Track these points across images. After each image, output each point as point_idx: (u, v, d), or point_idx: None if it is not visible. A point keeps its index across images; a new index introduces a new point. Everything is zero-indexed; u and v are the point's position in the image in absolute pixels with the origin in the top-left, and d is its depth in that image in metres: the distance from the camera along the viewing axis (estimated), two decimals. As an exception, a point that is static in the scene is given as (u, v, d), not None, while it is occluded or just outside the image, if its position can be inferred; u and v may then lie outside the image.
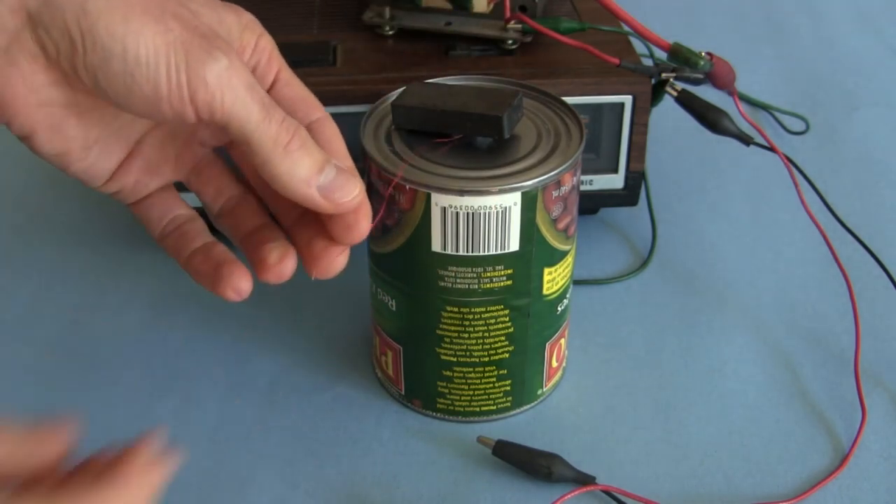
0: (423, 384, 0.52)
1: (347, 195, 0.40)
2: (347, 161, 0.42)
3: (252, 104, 0.37)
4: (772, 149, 0.56)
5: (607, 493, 0.48)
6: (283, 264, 0.41)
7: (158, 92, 0.37)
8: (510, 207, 0.45)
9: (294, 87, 0.42)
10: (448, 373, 0.51)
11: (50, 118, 0.39)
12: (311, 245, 0.42)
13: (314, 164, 0.39)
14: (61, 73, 0.37)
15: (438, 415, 0.53)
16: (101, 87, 0.37)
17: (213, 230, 0.44)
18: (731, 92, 0.58)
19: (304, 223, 0.43)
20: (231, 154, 0.45)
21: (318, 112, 0.42)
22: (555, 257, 0.49)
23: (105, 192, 0.43)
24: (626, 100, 0.58)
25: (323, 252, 0.41)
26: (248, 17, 0.41)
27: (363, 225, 0.41)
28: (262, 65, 0.42)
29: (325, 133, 0.42)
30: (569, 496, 0.48)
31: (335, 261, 0.42)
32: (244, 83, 0.37)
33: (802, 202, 0.56)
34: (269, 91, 0.42)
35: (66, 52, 0.37)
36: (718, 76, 0.56)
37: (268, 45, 0.42)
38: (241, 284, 0.41)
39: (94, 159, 0.41)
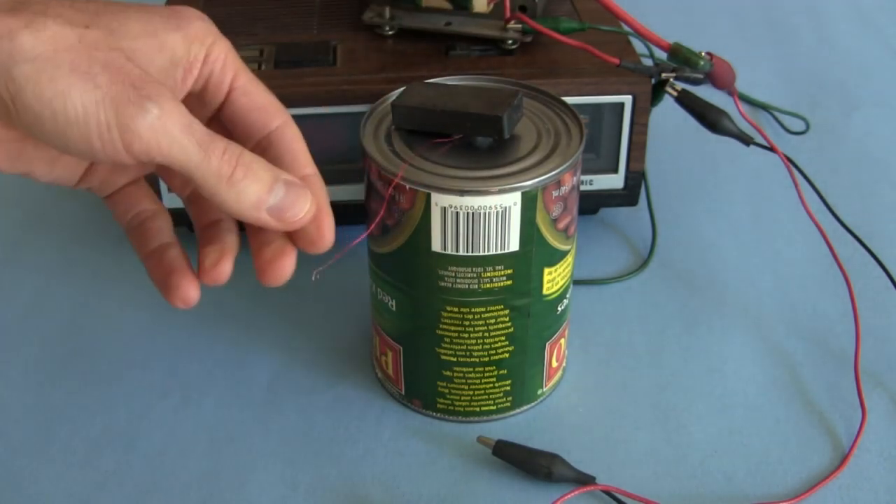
0: (423, 384, 0.52)
1: (299, 212, 0.40)
2: (308, 168, 0.42)
3: (189, 146, 0.37)
4: (772, 149, 0.56)
5: (607, 493, 0.48)
6: (216, 269, 0.42)
7: (92, 146, 0.37)
8: (510, 207, 0.45)
9: (252, 95, 0.42)
10: (448, 373, 0.51)
11: (5, 151, 0.39)
12: (260, 252, 0.42)
13: (261, 189, 0.39)
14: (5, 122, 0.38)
15: (438, 415, 0.53)
16: (41, 140, 0.38)
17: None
18: (731, 92, 0.58)
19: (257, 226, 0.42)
20: None
21: (279, 118, 0.42)
22: (555, 257, 0.49)
23: (76, 189, 0.44)
24: (626, 100, 0.58)
25: (270, 261, 0.41)
26: (196, 28, 0.41)
27: (326, 236, 0.41)
28: (216, 75, 0.41)
29: (285, 140, 0.42)
30: (569, 496, 0.48)
31: (283, 269, 0.41)
32: (179, 126, 0.37)
33: (802, 202, 0.56)
34: (224, 102, 0.42)
35: (2, 110, 0.37)
36: (718, 76, 0.56)
37: (221, 52, 0.41)
38: (188, 294, 0.42)
39: (60, 172, 0.42)
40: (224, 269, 0.42)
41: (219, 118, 0.43)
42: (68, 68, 0.36)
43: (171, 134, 0.37)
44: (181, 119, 0.37)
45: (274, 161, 0.41)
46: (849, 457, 0.50)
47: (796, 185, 0.56)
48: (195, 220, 0.44)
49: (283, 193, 0.39)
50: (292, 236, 0.41)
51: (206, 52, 0.41)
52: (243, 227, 0.43)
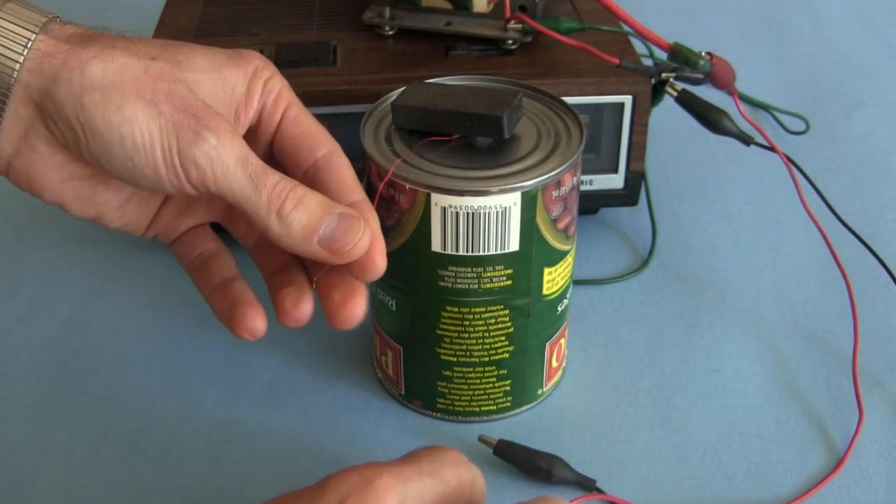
0: (423, 384, 0.52)
1: (350, 242, 0.40)
2: (356, 194, 0.42)
3: (242, 178, 0.39)
4: (772, 149, 0.56)
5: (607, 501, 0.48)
6: (297, 310, 0.43)
7: (158, 173, 0.39)
8: (510, 207, 0.45)
9: (302, 125, 0.43)
10: (448, 373, 0.51)
11: (76, 190, 0.42)
12: (329, 295, 0.43)
13: (311, 221, 0.40)
14: (76, 153, 0.40)
15: (438, 415, 0.53)
16: (107, 170, 0.39)
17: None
18: (731, 92, 0.58)
19: (321, 263, 0.43)
20: None
21: (326, 147, 0.43)
22: (555, 257, 0.49)
23: (145, 237, 0.46)
24: (626, 100, 0.58)
25: (340, 304, 0.42)
26: (255, 65, 0.43)
27: (378, 262, 0.41)
28: (269, 105, 0.43)
29: (333, 168, 0.43)
30: None
31: (354, 312, 0.42)
32: (234, 157, 0.39)
33: (802, 202, 0.56)
34: (276, 129, 0.43)
35: (72, 141, 0.39)
36: (718, 76, 0.56)
37: (276, 85, 0.43)
38: (254, 325, 0.43)
39: (130, 216, 0.44)
40: (305, 308, 0.43)
41: (271, 150, 0.44)
42: (135, 96, 0.38)
43: (225, 164, 0.39)
44: (237, 151, 0.39)
45: (321, 187, 0.42)
46: (845, 457, 0.50)
47: (796, 185, 0.56)
48: (263, 268, 0.45)
49: (335, 225, 0.40)
50: (346, 266, 0.42)
51: (263, 85, 0.43)
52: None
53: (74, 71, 0.38)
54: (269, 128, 0.43)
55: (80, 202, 0.42)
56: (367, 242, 0.41)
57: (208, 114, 0.39)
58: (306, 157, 0.43)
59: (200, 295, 0.45)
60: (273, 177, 0.40)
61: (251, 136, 0.44)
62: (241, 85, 0.42)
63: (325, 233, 0.40)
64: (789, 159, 0.56)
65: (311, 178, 0.43)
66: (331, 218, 0.40)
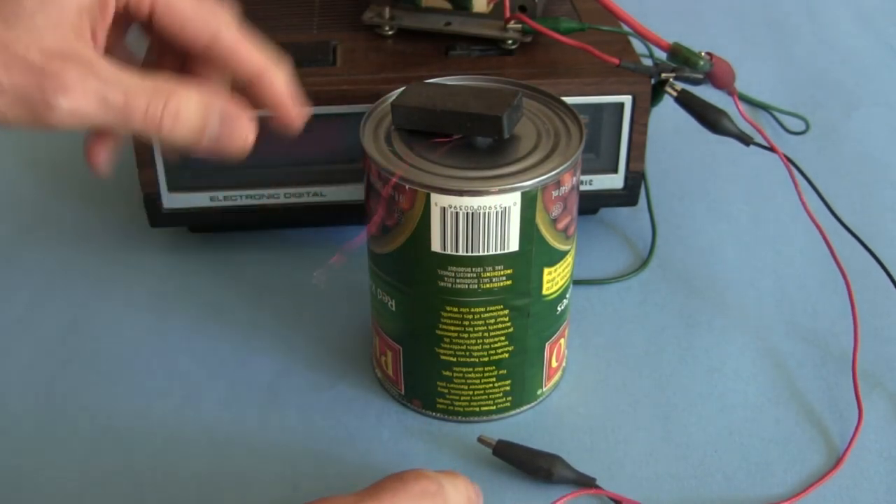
0: (422, 384, 0.52)
1: (237, 142, 0.41)
2: (257, 64, 0.42)
3: (107, 117, 0.38)
4: (772, 149, 0.56)
5: (608, 497, 0.48)
6: None
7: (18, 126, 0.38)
8: (510, 207, 0.45)
9: (177, 8, 0.42)
10: (448, 373, 0.51)
11: None
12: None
13: (192, 130, 0.40)
14: None
15: (438, 415, 0.53)
16: None
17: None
18: (731, 92, 0.58)
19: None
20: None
21: (212, 25, 0.42)
22: (554, 257, 0.49)
23: None
24: (626, 100, 0.58)
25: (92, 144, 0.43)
26: None
27: (292, 124, 0.43)
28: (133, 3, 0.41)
29: (224, 46, 0.42)
30: (569, 497, 0.48)
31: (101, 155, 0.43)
32: (93, 104, 0.38)
33: (802, 202, 0.56)
34: (149, 19, 0.42)
35: None
36: (718, 76, 0.56)
37: None
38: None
39: None
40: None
41: (157, 39, 0.43)
42: None
43: (85, 115, 0.38)
44: (93, 97, 0.38)
45: (222, 68, 0.42)
46: (844, 457, 0.50)
47: (796, 186, 0.56)
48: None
49: (217, 128, 0.40)
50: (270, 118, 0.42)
51: None
52: None
53: None
54: (140, 14, 0.42)
55: None
56: (252, 136, 0.41)
57: (52, 73, 0.38)
58: (197, 42, 0.42)
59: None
60: (141, 100, 0.39)
61: (122, 21, 0.42)
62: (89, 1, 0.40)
63: (209, 137, 0.40)
64: (789, 159, 0.56)
65: (210, 61, 0.42)
66: (211, 123, 0.40)
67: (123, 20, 0.43)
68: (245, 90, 0.43)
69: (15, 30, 0.38)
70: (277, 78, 0.43)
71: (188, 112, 0.40)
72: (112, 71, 0.39)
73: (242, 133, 0.41)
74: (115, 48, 0.43)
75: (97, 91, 0.38)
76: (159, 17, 0.42)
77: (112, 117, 0.38)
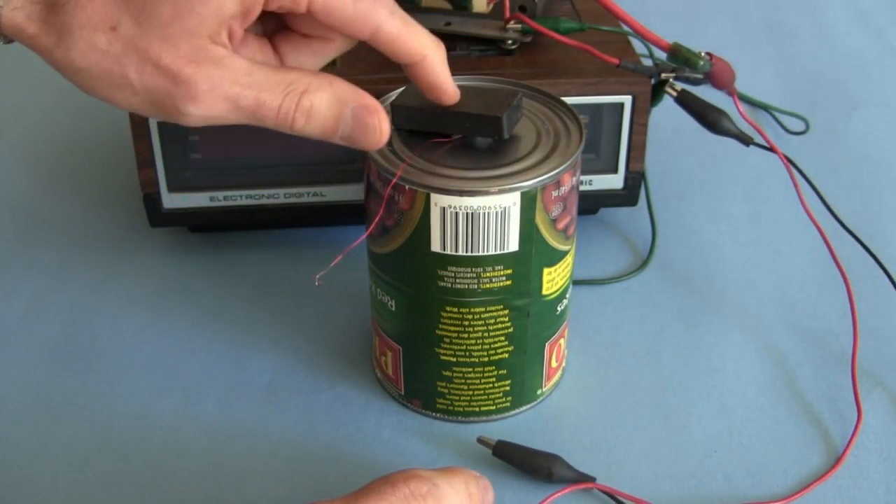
0: (422, 384, 0.52)
1: (369, 140, 0.42)
2: (415, 55, 0.43)
3: (243, 117, 0.40)
4: (772, 149, 0.56)
5: (605, 492, 0.48)
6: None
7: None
8: (509, 207, 0.45)
9: (335, 13, 0.41)
10: (448, 373, 0.51)
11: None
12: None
13: (325, 127, 0.41)
14: None
15: (438, 415, 0.53)
16: None
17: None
18: (731, 92, 0.58)
19: None
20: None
21: (374, 18, 0.42)
22: (554, 257, 0.49)
23: None
24: (626, 100, 0.58)
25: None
26: None
27: (447, 100, 0.45)
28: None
29: (383, 40, 0.42)
30: (565, 491, 0.48)
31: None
32: (224, 108, 0.39)
33: (802, 202, 0.56)
34: (305, 17, 0.42)
35: None
36: (718, 76, 0.56)
37: None
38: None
39: None
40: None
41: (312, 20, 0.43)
42: (104, 83, 0.39)
43: (218, 117, 0.39)
44: (224, 103, 0.39)
45: (385, 55, 0.43)
46: (843, 457, 0.50)
47: (796, 186, 0.56)
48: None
49: (350, 126, 0.41)
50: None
51: None
52: None
53: (44, 53, 0.39)
54: (298, 10, 0.41)
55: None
56: (387, 128, 0.42)
57: (185, 71, 0.38)
58: (359, 32, 0.42)
59: None
60: (274, 100, 0.40)
61: (278, 22, 0.44)
62: (230, 4, 0.39)
63: (343, 133, 0.41)
64: (789, 159, 0.56)
65: (373, 50, 0.43)
66: (345, 120, 0.41)
67: (273, 19, 0.43)
68: (403, 68, 0.45)
69: (149, 35, 0.39)
70: (436, 61, 0.44)
71: (321, 109, 0.40)
72: (245, 70, 0.39)
73: (376, 127, 0.42)
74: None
75: (228, 95, 0.39)
76: (319, 17, 0.42)
77: (245, 117, 0.40)
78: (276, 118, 0.40)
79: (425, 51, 0.43)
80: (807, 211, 0.56)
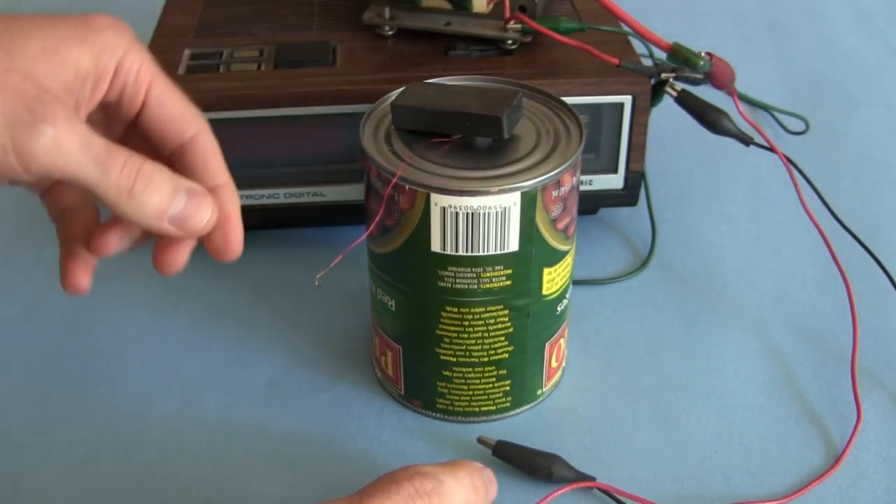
0: (422, 384, 0.52)
1: (200, 221, 0.40)
2: (220, 177, 0.42)
3: (87, 163, 0.38)
4: (772, 149, 0.56)
5: (605, 491, 0.48)
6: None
7: None
8: (509, 207, 0.45)
9: (167, 106, 0.42)
10: (448, 373, 0.51)
11: None
12: (158, 242, 0.42)
13: (161, 199, 0.39)
14: None
15: (438, 415, 0.53)
16: None
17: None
18: (731, 92, 0.58)
19: None
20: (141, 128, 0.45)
21: (193, 128, 0.42)
22: (554, 257, 0.49)
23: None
24: (626, 100, 0.58)
25: (162, 251, 0.42)
26: (105, 39, 0.40)
27: (233, 246, 0.42)
28: (130, 87, 0.41)
29: (198, 150, 0.42)
30: (565, 490, 0.48)
31: (175, 260, 0.43)
32: (75, 145, 0.37)
33: (802, 202, 0.56)
34: (139, 113, 0.42)
35: None
36: (718, 76, 0.56)
37: (135, 62, 0.41)
38: (78, 281, 0.43)
39: None
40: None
41: (137, 127, 0.43)
42: None
43: (67, 153, 0.37)
44: (77, 138, 0.37)
45: (187, 170, 0.41)
46: (842, 457, 0.50)
47: (796, 186, 0.56)
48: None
49: (184, 203, 0.40)
50: (203, 242, 0.42)
51: (118, 63, 0.40)
52: None
53: None
54: (132, 108, 0.42)
55: None
56: (214, 220, 0.41)
57: (43, 103, 0.37)
58: (173, 140, 0.42)
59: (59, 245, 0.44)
60: (119, 157, 0.38)
61: (111, 112, 0.42)
62: (85, 62, 0.39)
63: (174, 211, 0.40)
64: (789, 159, 0.56)
65: (177, 161, 0.42)
66: (180, 196, 0.40)
67: (110, 112, 0.42)
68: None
69: (15, 63, 0.38)
70: (234, 196, 0.42)
71: (160, 179, 0.39)
72: (90, 130, 0.38)
73: (207, 211, 0.40)
74: None
75: (81, 135, 0.38)
76: (150, 111, 0.42)
77: (90, 165, 0.38)
78: (119, 175, 0.38)
79: (227, 180, 0.43)
80: (807, 211, 0.56)
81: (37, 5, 0.56)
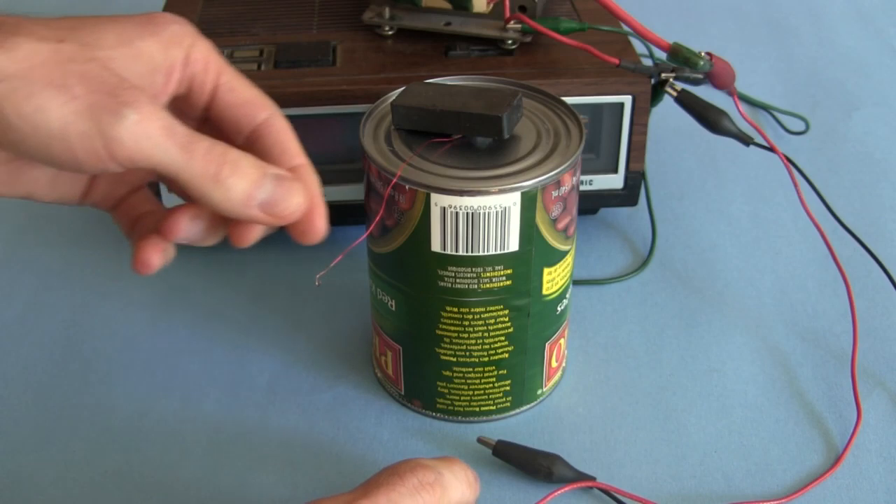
0: (422, 384, 0.52)
1: (291, 206, 0.40)
2: (298, 158, 0.42)
3: (171, 147, 0.38)
4: (772, 149, 0.56)
5: (605, 491, 0.48)
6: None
7: (77, 158, 0.37)
8: (510, 207, 0.45)
9: (238, 91, 0.42)
10: (448, 373, 0.51)
11: (3, 174, 0.40)
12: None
13: (248, 184, 0.39)
14: None
15: (438, 415, 0.53)
16: (28, 157, 0.38)
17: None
18: (731, 92, 0.58)
19: None
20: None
21: (265, 111, 0.42)
22: (554, 257, 0.49)
23: (83, 205, 0.44)
24: (626, 100, 0.58)
25: (238, 223, 0.41)
26: (172, 32, 0.41)
27: (318, 227, 0.41)
28: (199, 76, 0.41)
29: (273, 132, 0.42)
30: (565, 490, 0.48)
31: (251, 234, 0.42)
32: (159, 129, 0.37)
33: (802, 202, 0.56)
34: (210, 101, 0.42)
35: None
36: (718, 76, 0.56)
37: (201, 53, 0.41)
38: (140, 266, 0.41)
39: (63, 190, 0.42)
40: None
41: (208, 118, 0.43)
42: (44, 83, 0.37)
43: (151, 138, 0.37)
44: (161, 122, 0.37)
45: (263, 153, 0.41)
46: (842, 457, 0.50)
47: (796, 186, 0.56)
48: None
49: (272, 188, 0.39)
50: (286, 228, 0.41)
51: (185, 54, 0.41)
52: None
53: None
54: (202, 97, 0.42)
55: (10, 184, 0.41)
56: (305, 204, 0.40)
57: (125, 89, 0.37)
58: (247, 124, 0.42)
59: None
60: (204, 143, 0.38)
61: (182, 106, 0.42)
62: (157, 55, 0.40)
63: (263, 196, 0.39)
64: (789, 159, 0.56)
65: (252, 145, 0.42)
66: (268, 180, 0.39)
67: (181, 106, 0.42)
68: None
69: (93, 53, 0.38)
70: (314, 176, 0.42)
71: (246, 165, 0.39)
72: (174, 117, 0.39)
73: (297, 195, 0.40)
74: None
75: (164, 119, 0.38)
76: (220, 98, 0.42)
77: (175, 151, 0.38)
78: (205, 160, 0.38)
79: (305, 161, 0.42)
80: (807, 211, 0.56)
81: (35, 5, 0.56)
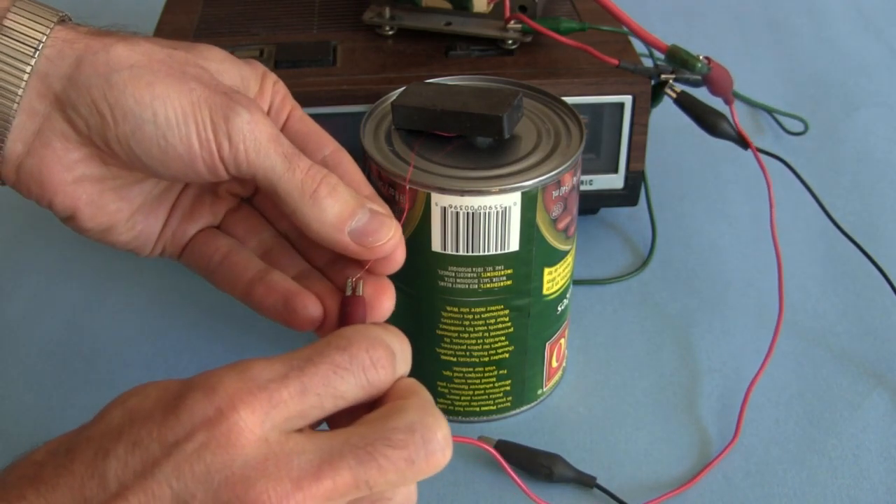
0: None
1: (382, 239, 0.40)
2: (366, 190, 0.43)
3: (275, 155, 0.39)
4: (769, 154, 0.55)
5: (604, 491, 0.48)
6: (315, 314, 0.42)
7: (192, 150, 0.39)
8: (510, 207, 0.45)
9: (307, 123, 0.44)
10: (448, 373, 0.51)
11: (88, 194, 0.41)
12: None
13: (344, 209, 0.40)
14: (94, 148, 0.40)
15: (438, 415, 0.53)
16: (135, 155, 0.39)
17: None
18: (729, 100, 0.57)
19: (339, 263, 0.43)
20: (258, 205, 0.46)
21: (331, 145, 0.44)
22: (555, 257, 0.49)
23: (152, 256, 0.46)
24: (626, 100, 0.58)
25: (374, 298, 0.41)
26: (263, 69, 0.45)
27: (399, 257, 0.42)
28: (277, 104, 0.44)
29: (342, 165, 0.43)
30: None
31: (388, 305, 0.42)
32: (266, 135, 0.39)
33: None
34: (283, 127, 0.44)
35: (96, 127, 0.39)
36: (716, 82, 0.56)
37: (281, 88, 0.45)
38: (314, 313, 0.41)
39: (140, 228, 0.44)
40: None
41: None
42: (164, 74, 0.39)
43: (258, 140, 0.39)
44: (269, 130, 0.39)
45: None
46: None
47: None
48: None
49: (367, 219, 0.40)
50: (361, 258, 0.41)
51: (271, 84, 0.44)
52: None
53: (100, 53, 0.38)
54: (277, 124, 0.44)
55: (92, 209, 0.42)
56: (397, 241, 0.41)
57: (237, 93, 0.40)
58: (314, 154, 0.43)
59: (231, 295, 0.44)
60: (306, 160, 0.40)
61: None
62: (254, 81, 0.43)
63: (356, 225, 0.40)
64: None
65: None
66: (363, 211, 0.40)
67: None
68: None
69: (205, 66, 0.41)
70: (392, 216, 0.42)
71: (344, 191, 0.40)
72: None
73: (389, 233, 0.40)
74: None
75: (272, 127, 0.40)
76: (293, 127, 0.45)
77: (278, 158, 0.39)
78: (305, 174, 0.39)
79: (373, 192, 0.44)
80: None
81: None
